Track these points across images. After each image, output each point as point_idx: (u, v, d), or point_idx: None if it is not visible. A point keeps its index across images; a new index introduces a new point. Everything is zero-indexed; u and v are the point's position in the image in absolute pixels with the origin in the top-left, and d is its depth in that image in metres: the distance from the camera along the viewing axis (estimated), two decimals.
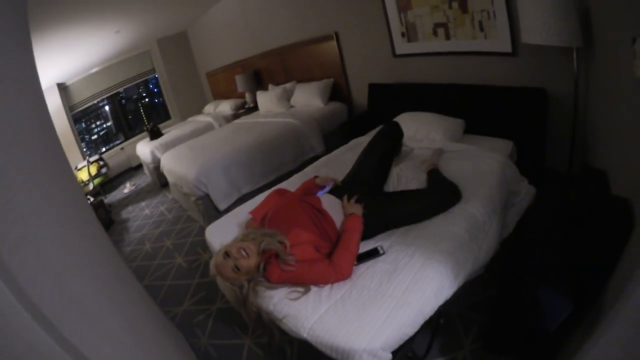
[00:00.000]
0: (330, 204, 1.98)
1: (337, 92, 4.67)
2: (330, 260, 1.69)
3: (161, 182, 5.60)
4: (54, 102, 6.41)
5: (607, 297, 1.26)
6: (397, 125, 2.52)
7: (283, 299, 1.64)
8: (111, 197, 6.31)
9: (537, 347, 1.46)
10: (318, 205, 1.94)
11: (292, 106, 5.04)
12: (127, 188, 6.41)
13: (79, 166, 6.10)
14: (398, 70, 3.73)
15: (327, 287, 1.64)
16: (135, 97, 8.23)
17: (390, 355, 1.37)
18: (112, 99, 7.74)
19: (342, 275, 1.64)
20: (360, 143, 3.02)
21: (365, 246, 1.83)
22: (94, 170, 5.98)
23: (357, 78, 4.39)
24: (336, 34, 4.29)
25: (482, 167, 2.26)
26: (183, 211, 4.57)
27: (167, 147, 5.30)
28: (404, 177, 2.41)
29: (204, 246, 3.39)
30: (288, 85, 5.22)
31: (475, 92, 2.96)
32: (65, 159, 1.87)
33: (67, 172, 1.88)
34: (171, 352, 1.77)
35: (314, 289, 1.65)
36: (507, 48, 2.66)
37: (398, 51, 3.63)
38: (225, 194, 3.62)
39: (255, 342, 2.21)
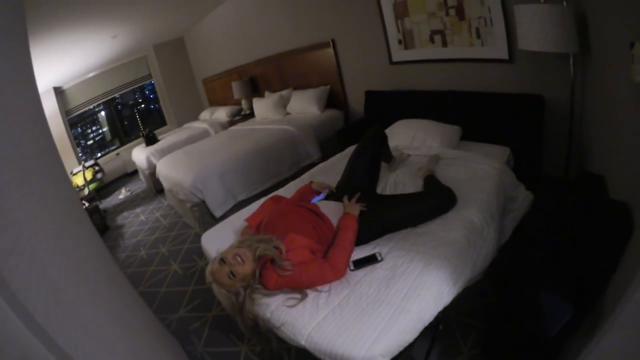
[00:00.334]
0: (328, 208, 1.98)
1: (334, 99, 4.67)
2: (326, 258, 1.69)
3: (157, 188, 5.58)
4: (50, 106, 6.39)
5: (607, 300, 1.26)
6: (380, 128, 2.52)
7: (280, 306, 1.62)
8: (106, 203, 6.27)
9: (537, 351, 1.45)
10: (316, 209, 1.94)
11: (288, 113, 5.04)
12: (122, 194, 6.38)
13: (75, 171, 6.05)
14: (395, 77, 3.74)
15: (325, 294, 1.62)
16: (131, 102, 8.21)
17: None
18: (108, 104, 7.72)
19: (339, 271, 1.64)
20: None
21: (362, 252, 1.82)
22: (89, 175, 5.93)
23: (353, 85, 4.40)
24: (333, 41, 4.30)
25: (479, 173, 2.26)
26: (179, 218, 4.54)
27: (163, 153, 5.28)
28: (401, 184, 2.41)
29: (200, 253, 3.36)
30: (284, 92, 5.22)
31: (472, 99, 2.97)
32: (61, 163, 1.86)
33: (63, 176, 1.86)
34: None
35: (311, 295, 1.63)
36: (504, 55, 2.68)
37: (395, 58, 3.64)
38: (221, 200, 3.60)
39: (252, 350, 2.19)
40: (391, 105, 3.70)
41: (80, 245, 1.43)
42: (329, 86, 4.65)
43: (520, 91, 2.63)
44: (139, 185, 6.65)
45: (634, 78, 1.24)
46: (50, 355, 0.71)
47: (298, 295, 1.63)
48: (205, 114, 7.16)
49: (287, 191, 2.65)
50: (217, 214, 3.55)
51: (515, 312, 1.48)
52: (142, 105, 8.50)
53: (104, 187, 6.85)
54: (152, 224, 4.68)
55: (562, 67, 2.27)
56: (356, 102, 4.39)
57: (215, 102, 7.77)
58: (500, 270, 1.85)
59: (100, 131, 7.89)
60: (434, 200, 2.00)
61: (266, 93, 5.54)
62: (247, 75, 6.21)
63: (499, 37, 2.66)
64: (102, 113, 7.80)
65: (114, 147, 7.85)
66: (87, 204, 4.97)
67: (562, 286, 1.30)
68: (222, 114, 6.64)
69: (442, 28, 3.04)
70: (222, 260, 1.67)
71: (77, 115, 7.22)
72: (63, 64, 5.58)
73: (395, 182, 2.45)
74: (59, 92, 6.68)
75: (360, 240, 1.86)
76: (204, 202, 3.55)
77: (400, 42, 3.48)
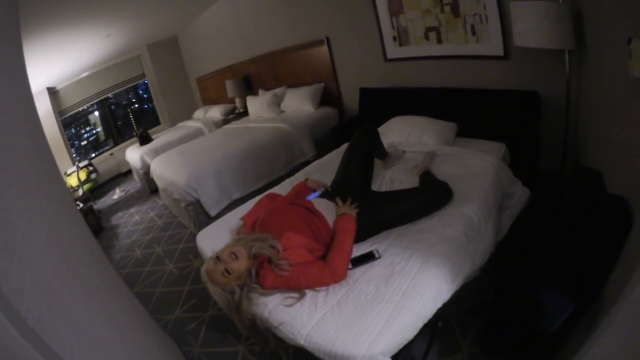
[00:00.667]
0: (322, 205, 1.97)
1: (328, 97, 4.66)
2: (325, 261, 1.67)
3: (151, 188, 5.53)
4: (43, 106, 6.31)
5: (606, 295, 1.26)
6: (371, 125, 2.51)
7: (278, 305, 1.60)
8: (100, 203, 6.22)
9: (536, 347, 1.45)
10: (310, 206, 1.92)
11: (282, 111, 5.02)
12: (116, 194, 6.33)
13: (69, 172, 6.00)
14: (389, 74, 3.73)
15: (323, 292, 1.61)
16: (124, 102, 8.15)
17: None
18: (102, 104, 7.65)
19: (338, 275, 1.63)
20: None
21: (359, 249, 1.82)
22: (83, 175, 5.89)
23: (348, 82, 4.39)
24: (327, 38, 4.29)
25: (475, 169, 2.26)
26: (173, 217, 4.52)
27: (157, 152, 5.25)
28: (397, 181, 2.41)
29: (195, 252, 3.34)
30: (278, 90, 5.20)
31: (467, 96, 2.97)
32: (55, 164, 1.83)
33: (57, 177, 1.84)
34: None
35: (309, 294, 1.62)
36: (499, 51, 2.68)
37: (389, 55, 3.63)
38: (216, 199, 3.58)
39: (249, 350, 2.17)
40: (386, 102, 3.70)
41: (75, 247, 1.41)
42: (323, 84, 4.63)
43: (516, 88, 2.63)
44: (133, 185, 6.60)
45: (632, 73, 1.24)
46: None
47: (296, 295, 1.61)
48: (199, 113, 7.12)
49: (282, 189, 2.64)
50: (212, 212, 3.53)
51: (514, 308, 1.47)
52: (136, 105, 8.44)
53: (98, 188, 6.80)
54: (147, 224, 4.65)
55: (557, 63, 2.27)
56: (351, 99, 4.38)
57: (209, 101, 7.73)
58: (499, 267, 1.85)
59: (94, 131, 7.82)
60: (430, 194, 2.00)
61: (260, 91, 5.52)
62: (241, 74, 6.19)
63: (494, 34, 2.65)
64: (96, 113, 7.73)
65: (107, 147, 7.78)
66: (81, 205, 4.92)
67: (562, 282, 1.30)
68: (215, 112, 6.61)
69: (437, 25, 3.03)
70: (217, 258, 1.66)
71: (70, 116, 7.16)
72: (56, 64, 5.52)
73: (392, 179, 2.44)
74: (52, 92, 6.61)
75: (357, 238, 1.84)
76: (198, 201, 3.53)
77: (395, 39, 3.47)
